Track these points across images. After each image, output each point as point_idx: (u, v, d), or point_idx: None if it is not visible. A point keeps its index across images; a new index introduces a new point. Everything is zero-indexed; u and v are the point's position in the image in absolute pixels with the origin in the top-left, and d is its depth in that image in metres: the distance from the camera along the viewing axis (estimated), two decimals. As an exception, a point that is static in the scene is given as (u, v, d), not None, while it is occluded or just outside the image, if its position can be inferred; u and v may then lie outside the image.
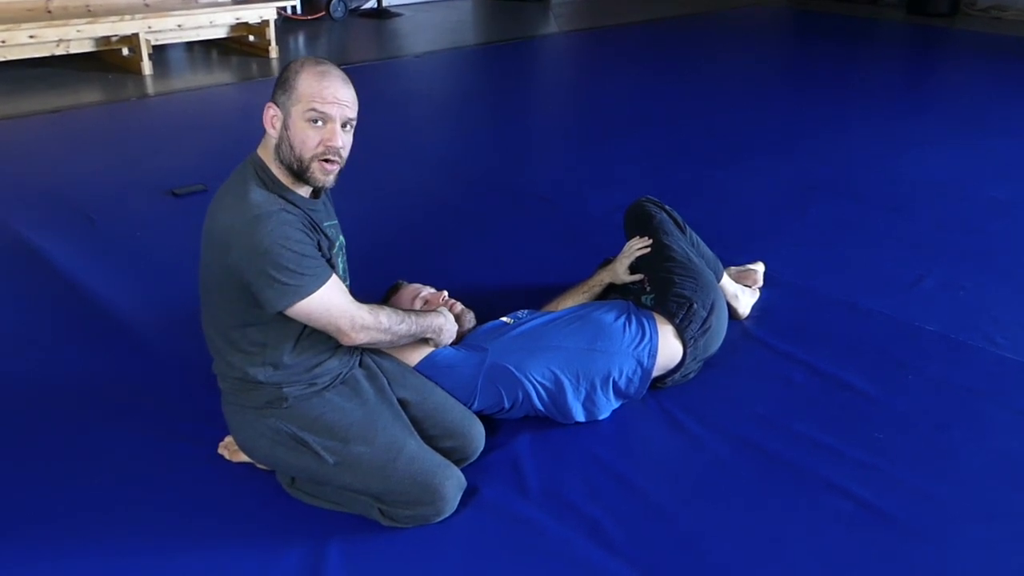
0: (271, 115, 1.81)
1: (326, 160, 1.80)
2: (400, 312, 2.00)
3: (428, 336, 2.10)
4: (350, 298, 1.85)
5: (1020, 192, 3.94)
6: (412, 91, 5.78)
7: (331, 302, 1.79)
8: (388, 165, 4.15)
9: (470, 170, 4.19)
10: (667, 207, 2.68)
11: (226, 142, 4.13)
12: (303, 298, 1.75)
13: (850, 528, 1.94)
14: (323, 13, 7.75)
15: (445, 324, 2.15)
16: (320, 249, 1.82)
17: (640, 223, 2.64)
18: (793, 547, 1.89)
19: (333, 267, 1.87)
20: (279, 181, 1.83)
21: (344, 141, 1.83)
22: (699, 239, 2.68)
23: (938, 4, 8.43)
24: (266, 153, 1.84)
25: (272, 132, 1.81)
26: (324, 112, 1.77)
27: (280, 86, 1.80)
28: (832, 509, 2.00)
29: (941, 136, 4.80)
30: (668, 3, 8.93)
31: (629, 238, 2.65)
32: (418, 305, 2.37)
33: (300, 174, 1.81)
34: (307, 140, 1.78)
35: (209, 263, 1.83)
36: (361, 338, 1.85)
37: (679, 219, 2.66)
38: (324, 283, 1.78)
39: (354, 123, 1.85)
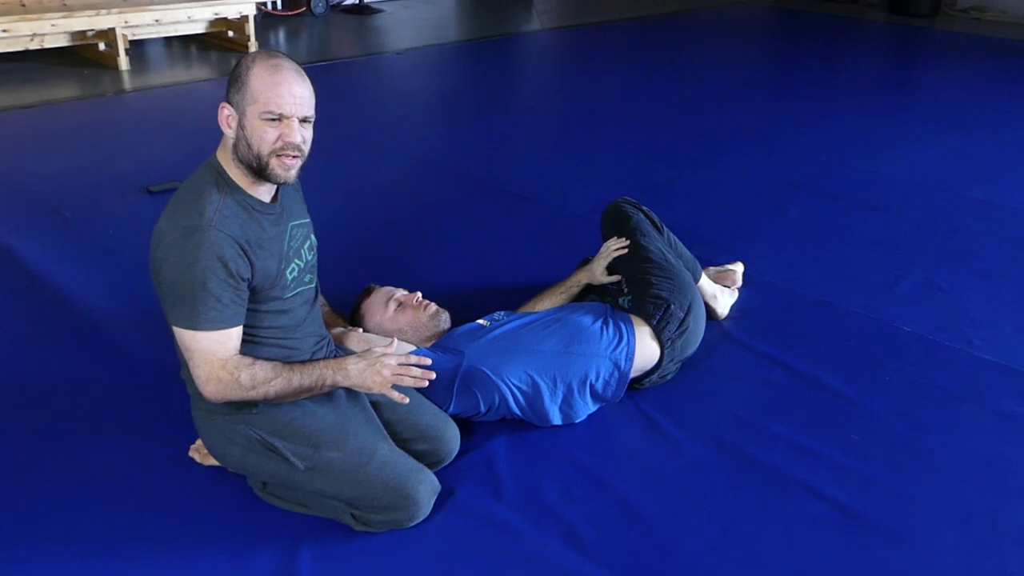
0: (226, 115, 1.77)
1: (285, 156, 1.76)
2: (283, 369, 1.79)
3: (333, 380, 1.83)
4: (227, 353, 1.75)
5: (999, 193, 3.96)
6: (393, 88, 5.75)
7: (202, 347, 1.73)
8: (368, 162, 4.12)
9: (451, 168, 4.16)
10: (644, 208, 2.67)
11: (203, 139, 4.06)
12: (184, 328, 1.73)
13: (826, 531, 1.94)
14: (304, 8, 7.70)
15: (364, 370, 1.82)
16: (252, 268, 1.77)
17: (617, 224, 2.63)
18: (769, 550, 1.89)
19: (283, 275, 1.84)
20: (235, 184, 1.79)
21: (304, 136, 1.78)
22: (677, 240, 2.67)
23: (919, 4, 8.47)
24: (224, 155, 1.81)
25: (228, 132, 1.77)
26: (280, 112, 1.73)
27: (233, 84, 1.75)
28: (809, 511, 1.99)
29: (922, 136, 4.82)
30: (651, 1, 8.92)
31: (606, 239, 2.64)
32: (392, 307, 2.35)
33: (260, 172, 1.77)
34: (265, 136, 1.74)
35: (151, 267, 1.80)
36: (209, 391, 1.75)
37: (656, 220, 2.65)
38: (210, 329, 1.72)
39: (312, 118, 1.81)
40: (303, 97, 1.76)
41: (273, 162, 1.76)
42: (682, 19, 8.28)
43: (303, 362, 1.85)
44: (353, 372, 1.83)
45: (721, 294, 2.78)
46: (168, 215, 1.77)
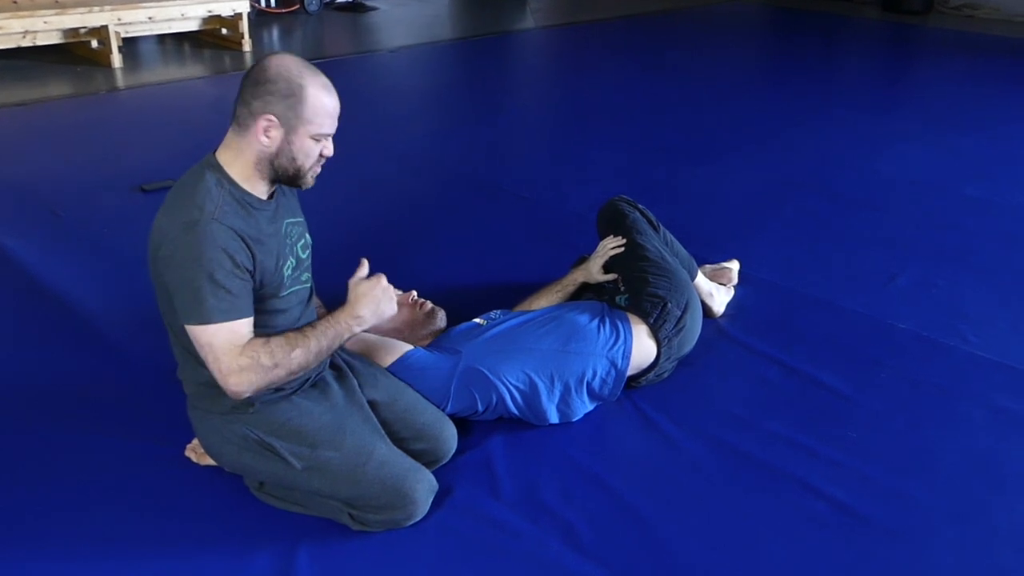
0: (266, 125, 1.72)
1: (317, 166, 1.83)
2: (298, 336, 1.77)
3: (351, 331, 1.83)
4: (240, 343, 1.71)
5: (994, 190, 3.97)
6: (387, 86, 5.74)
7: (217, 340, 1.70)
8: (362, 161, 4.11)
9: (446, 167, 4.15)
10: (640, 206, 2.67)
11: (197, 137, 4.06)
12: (197, 323, 1.70)
13: (824, 529, 1.94)
14: (298, 6, 7.68)
15: (377, 308, 1.84)
16: (254, 261, 1.76)
17: (614, 222, 2.63)
18: (767, 548, 1.89)
19: (280, 272, 1.83)
20: (235, 182, 1.78)
21: None
22: (673, 238, 2.67)
23: (913, 2, 8.49)
24: (231, 157, 1.78)
25: (266, 142, 1.74)
26: (332, 133, 1.80)
27: (277, 96, 1.71)
28: (807, 510, 1.99)
29: (916, 133, 4.83)
30: (645, -1, 8.93)
31: (602, 237, 2.63)
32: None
33: (293, 180, 1.81)
34: (311, 153, 1.79)
35: (150, 265, 1.79)
36: (233, 383, 1.70)
37: (652, 218, 2.65)
38: (223, 320, 1.69)
39: None
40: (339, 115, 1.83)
41: (310, 173, 1.83)
42: (675, 17, 8.28)
43: (311, 324, 1.83)
44: (367, 316, 1.84)
45: (717, 292, 2.78)
46: (166, 212, 1.75)
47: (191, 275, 1.68)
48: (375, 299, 1.85)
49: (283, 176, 1.80)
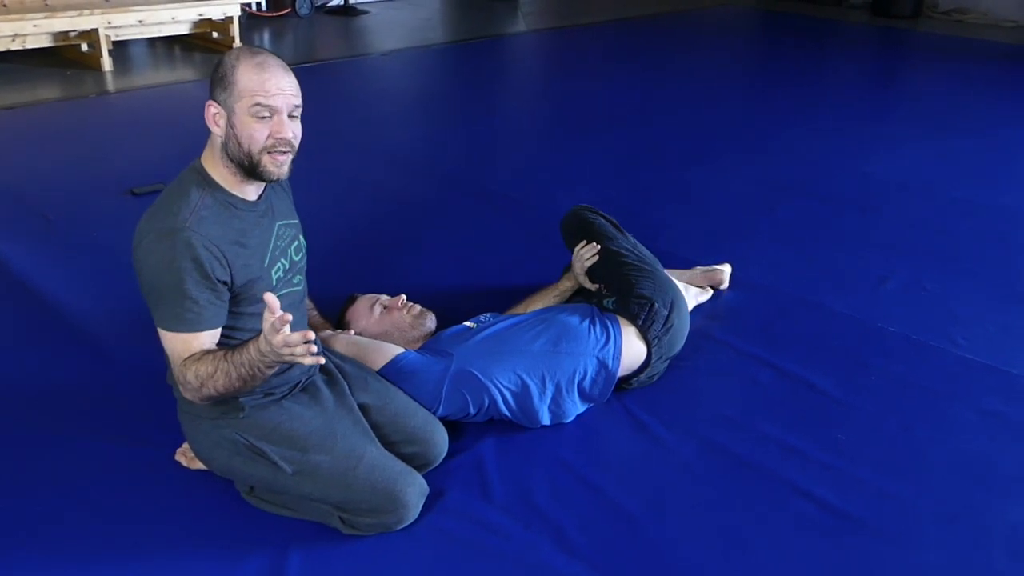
0: (213, 113, 1.74)
1: (276, 152, 1.74)
2: (221, 360, 1.68)
3: (261, 358, 1.64)
4: (194, 355, 1.71)
5: (983, 193, 3.99)
6: (379, 89, 5.73)
7: (174, 348, 1.72)
8: (353, 164, 4.11)
9: (437, 169, 4.15)
10: (603, 212, 2.68)
11: (188, 140, 4.02)
12: (164, 330, 1.72)
13: (815, 531, 1.94)
14: (289, 10, 7.66)
15: (279, 356, 1.60)
16: (230, 270, 1.74)
17: (582, 231, 2.63)
18: (758, 551, 1.89)
19: (269, 273, 1.82)
20: (216, 184, 1.77)
21: (294, 131, 1.76)
22: (636, 240, 2.66)
23: (902, 6, 8.52)
24: (209, 156, 1.78)
25: (216, 130, 1.75)
26: (269, 105, 1.70)
27: (218, 82, 1.73)
28: (797, 512, 1.99)
29: (907, 137, 4.84)
30: (636, 2, 8.94)
31: (569, 247, 2.63)
32: (377, 312, 2.35)
33: (252, 169, 1.74)
34: (255, 134, 1.71)
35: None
36: (187, 395, 1.74)
37: (615, 222, 2.66)
38: (187, 331, 1.70)
39: (300, 109, 1.79)
40: (291, 89, 1.74)
41: (265, 159, 1.73)
42: (666, 20, 8.29)
43: (235, 349, 1.70)
44: (272, 357, 1.62)
45: (686, 291, 2.76)
46: (147, 218, 1.75)
47: (160, 282, 1.69)
48: (274, 352, 1.60)
49: (241, 166, 1.74)
